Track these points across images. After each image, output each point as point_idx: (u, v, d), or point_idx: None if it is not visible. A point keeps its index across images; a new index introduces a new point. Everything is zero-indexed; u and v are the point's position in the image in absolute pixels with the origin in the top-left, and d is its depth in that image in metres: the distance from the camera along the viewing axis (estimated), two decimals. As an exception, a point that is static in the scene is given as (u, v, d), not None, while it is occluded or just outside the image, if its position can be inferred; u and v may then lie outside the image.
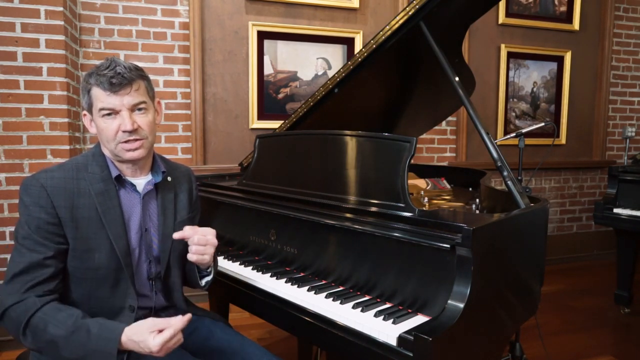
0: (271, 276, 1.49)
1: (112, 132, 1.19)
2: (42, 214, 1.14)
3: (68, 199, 1.17)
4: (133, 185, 1.28)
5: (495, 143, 1.54)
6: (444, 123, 3.70)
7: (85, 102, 1.22)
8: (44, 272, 1.14)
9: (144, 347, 1.07)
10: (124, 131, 1.18)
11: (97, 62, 3.00)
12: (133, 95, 1.19)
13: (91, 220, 1.19)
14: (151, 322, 1.10)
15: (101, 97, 1.17)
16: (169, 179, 1.37)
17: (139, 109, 1.22)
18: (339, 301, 1.27)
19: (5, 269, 2.63)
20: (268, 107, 3.24)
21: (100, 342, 1.07)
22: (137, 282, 1.28)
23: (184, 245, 1.38)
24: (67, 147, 2.55)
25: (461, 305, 1.06)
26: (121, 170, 1.27)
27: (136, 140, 1.21)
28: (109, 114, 1.19)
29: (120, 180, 1.26)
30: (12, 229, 2.54)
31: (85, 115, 1.25)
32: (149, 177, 1.32)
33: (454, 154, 3.81)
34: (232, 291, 1.58)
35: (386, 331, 1.09)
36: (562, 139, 4.15)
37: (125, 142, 1.20)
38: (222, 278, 1.60)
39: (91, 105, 1.21)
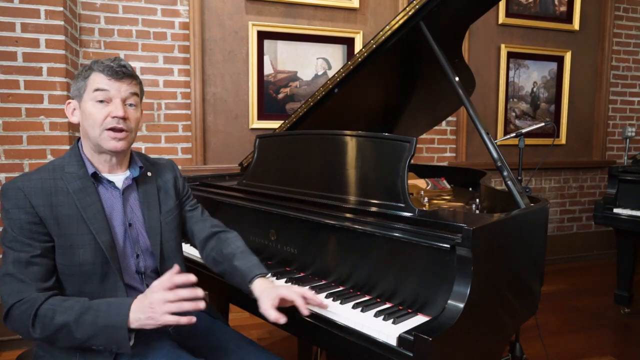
0: (271, 276, 1.49)
1: (102, 116, 1.22)
2: (22, 214, 1.15)
3: (46, 197, 1.18)
4: (111, 182, 1.29)
5: (495, 143, 1.54)
6: (444, 123, 3.71)
7: (78, 87, 1.25)
8: (37, 270, 1.14)
9: (150, 308, 1.08)
10: (113, 117, 1.22)
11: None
12: (130, 86, 1.26)
13: (72, 218, 1.19)
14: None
15: (101, 80, 1.22)
16: (149, 173, 1.39)
17: (130, 104, 1.27)
18: (339, 301, 1.27)
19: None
20: (268, 107, 3.24)
21: (110, 317, 1.08)
22: (125, 276, 1.28)
23: (176, 236, 1.40)
24: (67, 147, 2.55)
25: (461, 305, 1.06)
26: (98, 168, 1.28)
27: (122, 130, 1.24)
28: (101, 101, 1.22)
29: (97, 178, 1.27)
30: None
31: (69, 103, 1.28)
32: (127, 173, 1.33)
33: (454, 154, 3.81)
34: (231, 291, 1.58)
35: (386, 331, 1.09)
36: (562, 139, 4.15)
37: (112, 129, 1.23)
38: (223, 278, 1.59)
39: (83, 90, 1.24)
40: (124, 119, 1.24)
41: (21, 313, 1.10)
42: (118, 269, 1.25)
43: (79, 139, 1.31)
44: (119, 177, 1.31)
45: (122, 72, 1.23)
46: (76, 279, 1.20)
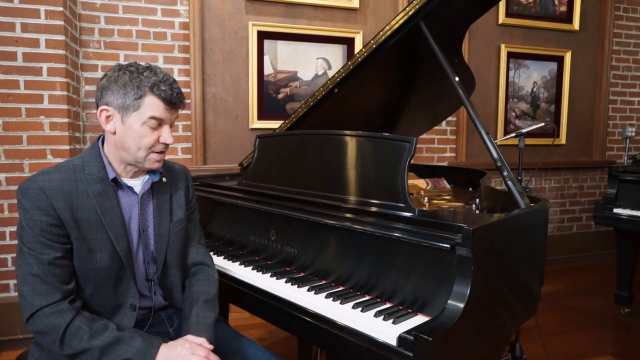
0: (271, 276, 1.49)
1: (152, 141, 1.23)
2: (44, 216, 1.14)
3: (67, 200, 1.17)
4: (130, 187, 1.29)
5: (495, 143, 1.54)
6: (444, 123, 3.71)
7: (125, 101, 1.19)
8: (59, 272, 1.14)
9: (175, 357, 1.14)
10: (163, 143, 1.25)
11: (99, 62, 2.98)
12: (178, 112, 1.29)
13: (91, 222, 1.19)
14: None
15: (158, 107, 1.21)
16: (164, 180, 1.38)
17: (171, 125, 1.29)
18: (339, 301, 1.27)
19: (5, 269, 2.64)
20: (268, 107, 3.24)
21: (138, 355, 1.11)
22: (137, 282, 1.28)
23: (181, 245, 1.39)
24: (67, 147, 2.55)
25: (461, 305, 1.06)
26: (119, 173, 1.27)
27: (163, 152, 1.29)
28: (152, 125, 1.22)
29: (117, 182, 1.26)
30: (12, 228, 2.54)
31: (105, 110, 1.21)
32: (146, 177, 1.32)
33: (454, 154, 3.81)
34: (232, 291, 1.58)
35: (386, 331, 1.09)
36: (562, 139, 4.15)
37: (158, 152, 1.26)
38: (222, 278, 1.59)
39: (133, 109, 1.19)
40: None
41: (49, 323, 1.11)
42: (132, 274, 1.26)
43: (99, 137, 1.29)
44: (138, 182, 1.30)
45: (179, 102, 1.25)
46: (91, 282, 1.20)
